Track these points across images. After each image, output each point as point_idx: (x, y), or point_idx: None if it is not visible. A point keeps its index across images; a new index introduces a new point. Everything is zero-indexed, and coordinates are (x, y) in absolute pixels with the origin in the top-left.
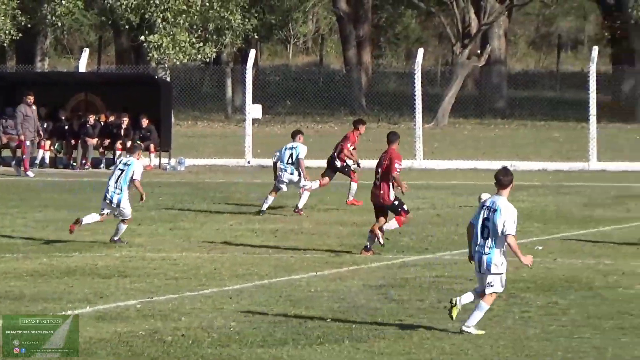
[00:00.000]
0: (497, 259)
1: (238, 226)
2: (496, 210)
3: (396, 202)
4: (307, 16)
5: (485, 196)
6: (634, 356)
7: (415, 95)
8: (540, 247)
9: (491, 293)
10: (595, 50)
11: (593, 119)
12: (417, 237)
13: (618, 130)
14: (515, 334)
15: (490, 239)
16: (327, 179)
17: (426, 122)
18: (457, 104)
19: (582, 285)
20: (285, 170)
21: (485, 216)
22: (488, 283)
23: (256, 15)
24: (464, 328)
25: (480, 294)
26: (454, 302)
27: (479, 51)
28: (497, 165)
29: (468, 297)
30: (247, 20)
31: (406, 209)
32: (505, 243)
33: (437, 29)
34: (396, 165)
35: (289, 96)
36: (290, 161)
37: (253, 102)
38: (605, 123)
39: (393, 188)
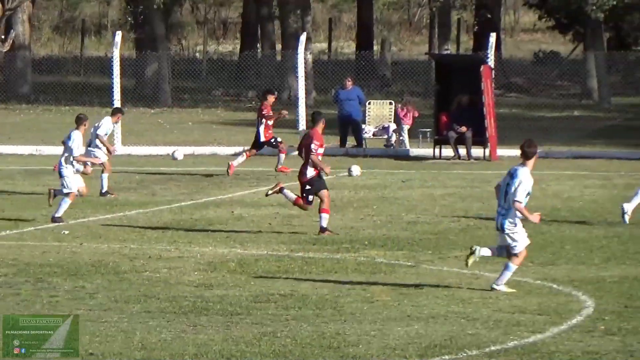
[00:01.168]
0: (510, 220)
1: None
2: (515, 178)
3: (308, 187)
4: None
5: (354, 169)
6: (160, 339)
7: None
8: (66, 232)
9: (516, 254)
10: (119, 35)
11: (117, 104)
12: None
13: (142, 114)
14: None
15: (507, 203)
16: (254, 150)
17: None
18: None
19: (108, 269)
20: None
21: (507, 182)
22: (509, 245)
23: None
24: (494, 286)
25: (500, 250)
26: (473, 249)
27: (2, 37)
28: (22, 149)
29: (486, 252)
30: None
31: (310, 200)
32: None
33: None
34: (314, 144)
35: None
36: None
37: None
38: (129, 108)
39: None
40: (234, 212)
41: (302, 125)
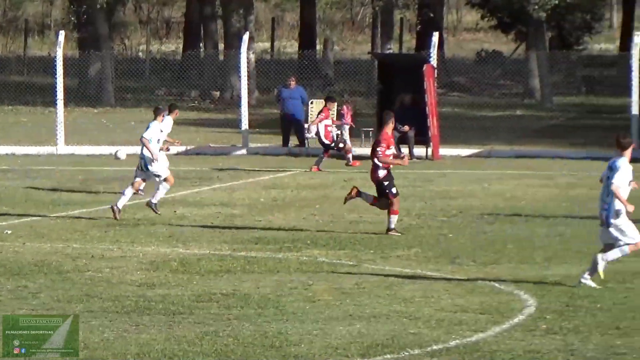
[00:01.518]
0: (614, 212)
1: None
2: (614, 170)
3: (385, 182)
4: None
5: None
6: (103, 338)
7: None
8: (9, 231)
9: (635, 243)
10: (62, 34)
11: (60, 103)
12: None
13: (85, 113)
14: None
15: (609, 197)
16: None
17: None
18: None
19: (51, 269)
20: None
21: (607, 175)
22: (618, 239)
23: None
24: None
25: (605, 248)
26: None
27: None
28: None
29: (600, 264)
30: None
31: (394, 192)
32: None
33: None
34: (381, 147)
35: None
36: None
37: None
38: (72, 107)
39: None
40: (176, 212)
41: (245, 124)
